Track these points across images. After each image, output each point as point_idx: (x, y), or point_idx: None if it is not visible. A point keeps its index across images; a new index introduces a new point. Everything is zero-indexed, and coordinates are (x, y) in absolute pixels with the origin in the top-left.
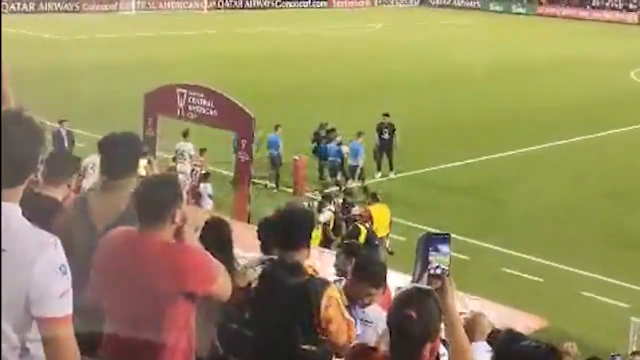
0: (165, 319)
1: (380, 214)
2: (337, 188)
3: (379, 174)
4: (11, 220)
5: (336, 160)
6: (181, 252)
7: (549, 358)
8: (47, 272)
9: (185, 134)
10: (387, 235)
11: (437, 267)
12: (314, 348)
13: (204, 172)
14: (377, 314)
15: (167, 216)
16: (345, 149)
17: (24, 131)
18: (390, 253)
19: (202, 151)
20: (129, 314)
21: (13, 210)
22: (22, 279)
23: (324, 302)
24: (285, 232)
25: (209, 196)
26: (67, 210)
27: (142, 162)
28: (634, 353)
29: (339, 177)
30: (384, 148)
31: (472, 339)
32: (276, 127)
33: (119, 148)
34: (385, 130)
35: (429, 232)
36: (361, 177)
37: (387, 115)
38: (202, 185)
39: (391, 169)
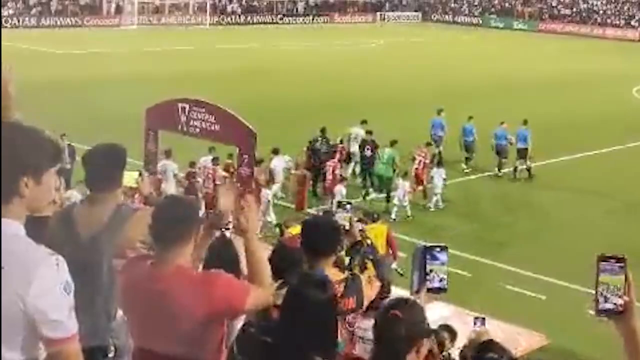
0: (199, 344)
1: (374, 234)
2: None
3: (373, 193)
4: (8, 237)
5: (503, 144)
6: (208, 282)
7: None
8: (49, 290)
9: (168, 153)
10: (393, 256)
11: (435, 278)
12: None
13: (428, 161)
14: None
15: (188, 237)
16: (511, 137)
17: (17, 143)
18: (401, 274)
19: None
20: (161, 347)
21: (11, 226)
22: (22, 298)
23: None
24: (313, 241)
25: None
26: (51, 223)
27: (134, 175)
28: None
29: (502, 159)
30: (366, 165)
31: None
32: (469, 118)
33: (102, 161)
34: (368, 147)
35: (425, 244)
36: (528, 158)
37: (369, 132)
38: (434, 169)
39: (367, 187)
